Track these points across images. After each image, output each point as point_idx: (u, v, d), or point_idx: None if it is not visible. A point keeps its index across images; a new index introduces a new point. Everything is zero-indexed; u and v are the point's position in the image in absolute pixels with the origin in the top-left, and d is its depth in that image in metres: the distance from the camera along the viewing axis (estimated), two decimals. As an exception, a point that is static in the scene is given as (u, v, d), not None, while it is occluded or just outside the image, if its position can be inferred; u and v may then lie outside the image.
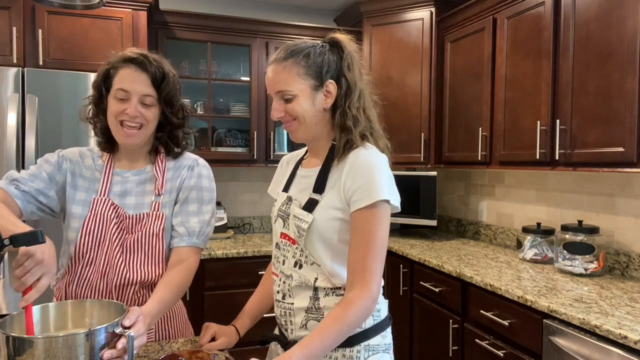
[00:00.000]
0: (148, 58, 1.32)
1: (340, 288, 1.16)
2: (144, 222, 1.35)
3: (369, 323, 1.18)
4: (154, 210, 1.36)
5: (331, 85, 1.18)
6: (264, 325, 1.42)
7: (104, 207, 1.34)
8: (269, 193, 1.41)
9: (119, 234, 1.33)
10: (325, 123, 1.21)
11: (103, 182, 1.37)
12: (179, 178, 1.41)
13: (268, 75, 1.19)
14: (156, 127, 1.38)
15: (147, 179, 1.40)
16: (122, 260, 1.32)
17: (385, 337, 1.21)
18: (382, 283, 1.15)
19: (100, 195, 1.35)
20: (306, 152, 1.34)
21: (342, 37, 1.22)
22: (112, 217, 1.33)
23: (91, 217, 1.33)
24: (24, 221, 1.17)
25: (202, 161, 1.46)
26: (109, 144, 1.40)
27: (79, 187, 1.37)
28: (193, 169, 1.42)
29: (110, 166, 1.40)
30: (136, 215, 1.35)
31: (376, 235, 1.10)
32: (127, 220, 1.34)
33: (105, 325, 0.99)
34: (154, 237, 1.35)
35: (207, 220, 1.39)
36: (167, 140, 1.41)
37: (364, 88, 1.22)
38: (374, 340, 1.17)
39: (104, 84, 1.33)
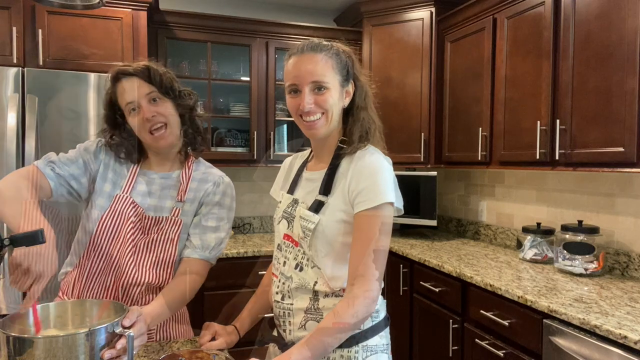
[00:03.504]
0: (125, 66, 1.36)
1: (340, 290, 1.16)
2: (161, 225, 1.36)
3: (367, 324, 1.18)
4: (173, 215, 1.37)
5: (350, 85, 1.21)
6: (264, 326, 1.42)
7: (124, 204, 1.35)
8: (270, 194, 1.41)
9: (134, 233, 1.34)
10: (338, 122, 1.23)
11: (128, 180, 1.38)
12: (204, 191, 1.42)
13: (301, 66, 1.14)
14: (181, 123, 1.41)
15: (172, 184, 1.42)
16: (133, 261, 1.32)
17: (383, 338, 1.21)
18: (382, 285, 1.15)
19: (122, 192, 1.36)
20: (310, 154, 1.34)
21: (342, 46, 1.24)
22: (130, 215, 1.34)
23: (109, 213, 1.34)
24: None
25: (227, 179, 1.48)
26: (142, 152, 1.43)
27: (108, 180, 1.39)
28: (219, 185, 1.44)
29: (138, 165, 1.41)
30: (155, 217, 1.36)
31: (379, 236, 1.10)
32: (145, 221, 1.35)
33: (105, 325, 0.99)
34: (169, 242, 1.35)
35: (223, 238, 1.42)
36: (192, 133, 1.44)
37: (369, 90, 1.26)
38: (372, 341, 1.17)
39: (116, 113, 1.37)
